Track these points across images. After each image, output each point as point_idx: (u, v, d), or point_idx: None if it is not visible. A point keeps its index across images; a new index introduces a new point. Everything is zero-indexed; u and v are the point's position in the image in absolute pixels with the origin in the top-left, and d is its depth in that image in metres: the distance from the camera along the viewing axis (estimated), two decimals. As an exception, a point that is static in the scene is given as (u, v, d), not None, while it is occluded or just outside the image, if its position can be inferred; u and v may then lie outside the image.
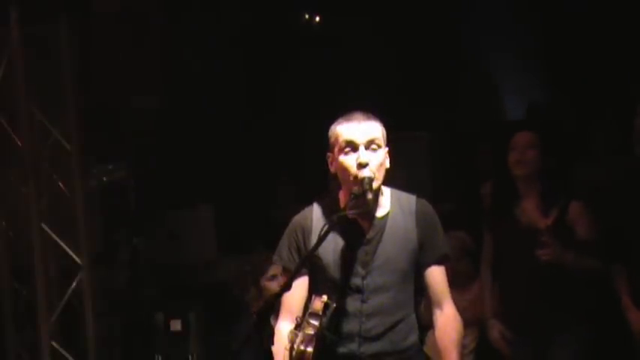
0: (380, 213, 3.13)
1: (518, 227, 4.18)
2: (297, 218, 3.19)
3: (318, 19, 7.98)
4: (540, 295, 4.12)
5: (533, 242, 4.04)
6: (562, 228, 4.09)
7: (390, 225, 3.12)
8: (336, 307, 3.02)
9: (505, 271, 4.31)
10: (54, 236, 5.31)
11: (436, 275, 3.17)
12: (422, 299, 3.30)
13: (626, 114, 4.39)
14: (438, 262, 3.17)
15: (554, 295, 4.10)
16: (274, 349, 3.10)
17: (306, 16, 7.98)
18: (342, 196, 3.14)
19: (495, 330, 4.33)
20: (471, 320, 4.54)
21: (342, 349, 3.11)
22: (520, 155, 4.19)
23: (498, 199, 4.45)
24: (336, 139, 3.08)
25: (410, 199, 3.18)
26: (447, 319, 3.16)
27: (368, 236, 3.11)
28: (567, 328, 4.11)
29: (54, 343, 5.30)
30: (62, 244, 5.32)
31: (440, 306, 3.17)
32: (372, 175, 3.00)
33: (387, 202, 3.15)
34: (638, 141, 4.23)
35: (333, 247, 3.10)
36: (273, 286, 4.39)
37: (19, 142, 5.33)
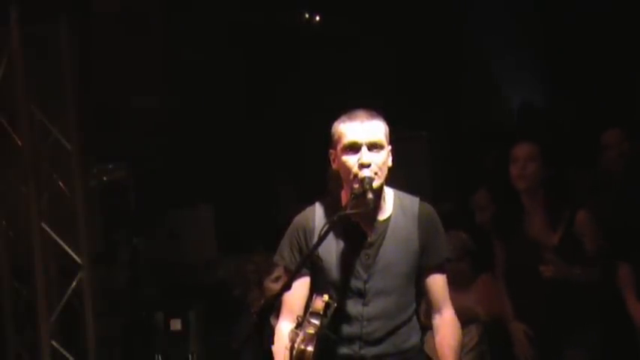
0: (382, 216, 3.11)
1: (527, 243, 4.17)
2: (299, 218, 3.17)
3: (318, 18, 7.99)
4: (550, 307, 4.11)
5: (542, 258, 4.06)
6: (570, 242, 4.09)
7: (392, 228, 3.10)
8: (337, 310, 2.99)
9: (515, 284, 4.30)
10: (54, 236, 5.30)
11: (437, 280, 3.15)
12: (421, 301, 3.29)
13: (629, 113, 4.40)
14: (439, 267, 3.16)
15: (564, 307, 4.10)
16: (275, 348, 3.09)
17: (306, 16, 7.98)
18: (344, 196, 3.11)
19: (520, 331, 4.29)
20: (470, 319, 4.54)
21: (343, 350, 3.10)
22: (521, 169, 4.18)
23: (504, 212, 4.45)
24: (339, 137, 3.05)
25: (413, 202, 3.16)
26: (446, 325, 3.15)
27: (370, 239, 3.09)
28: (577, 336, 4.11)
29: (54, 343, 5.30)
30: (62, 243, 5.31)
31: (439, 311, 3.16)
32: (372, 175, 2.98)
33: (389, 204, 3.13)
34: None
35: (335, 249, 3.08)
36: (277, 287, 4.37)
37: (19, 142, 5.33)
